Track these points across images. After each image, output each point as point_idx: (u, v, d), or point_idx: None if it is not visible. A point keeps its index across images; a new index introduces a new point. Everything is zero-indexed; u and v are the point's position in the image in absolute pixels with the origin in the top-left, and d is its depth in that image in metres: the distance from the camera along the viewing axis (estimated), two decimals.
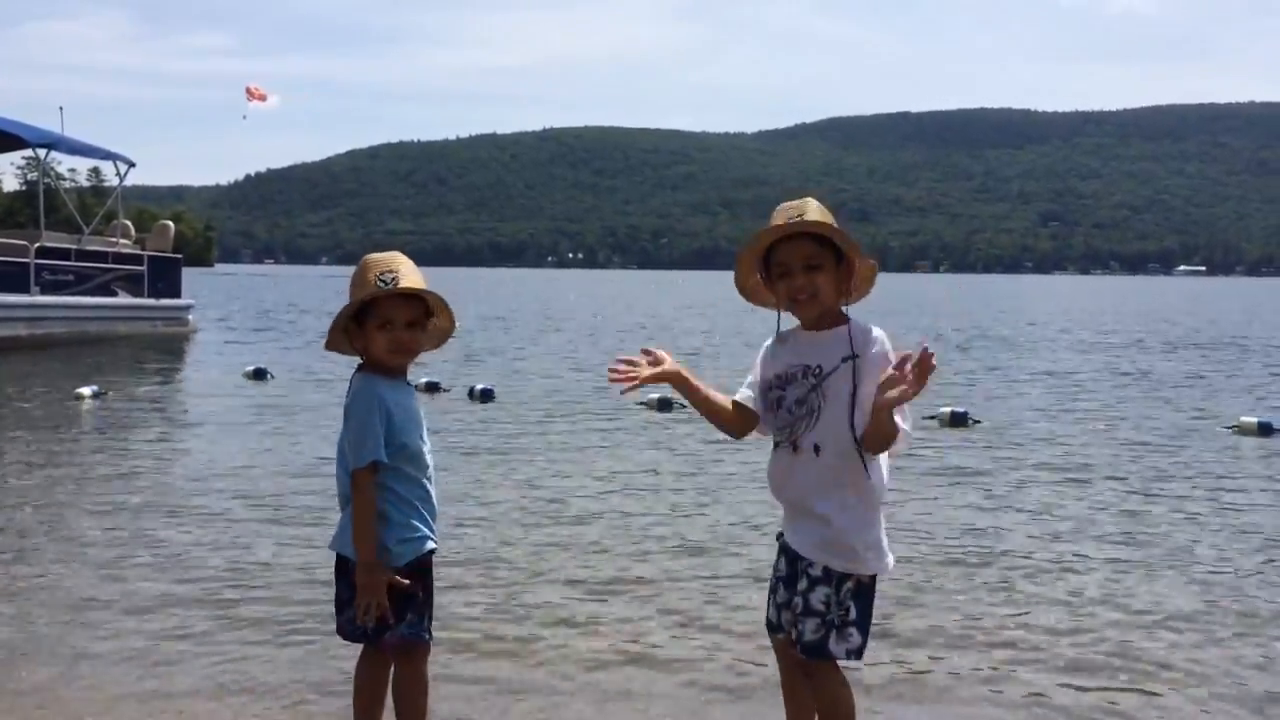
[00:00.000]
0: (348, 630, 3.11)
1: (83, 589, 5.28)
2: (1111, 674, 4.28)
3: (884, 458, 2.90)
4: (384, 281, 2.96)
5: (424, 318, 3.08)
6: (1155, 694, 4.09)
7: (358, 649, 3.23)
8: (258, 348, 20.91)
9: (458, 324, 3.26)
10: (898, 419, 2.73)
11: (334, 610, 3.16)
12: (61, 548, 6.04)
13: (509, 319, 32.60)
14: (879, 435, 2.76)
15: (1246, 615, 5.03)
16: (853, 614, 2.87)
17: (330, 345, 3.16)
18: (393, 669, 3.15)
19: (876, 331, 2.89)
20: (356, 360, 3.15)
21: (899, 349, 2.81)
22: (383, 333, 2.99)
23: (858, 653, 2.88)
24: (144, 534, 6.36)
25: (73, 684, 4.11)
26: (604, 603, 5.16)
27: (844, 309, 2.94)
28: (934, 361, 2.63)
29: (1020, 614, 5.03)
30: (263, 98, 28.83)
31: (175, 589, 5.29)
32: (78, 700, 3.96)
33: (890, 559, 2.94)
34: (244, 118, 28.73)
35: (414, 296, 3.03)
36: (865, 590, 2.90)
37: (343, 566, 3.08)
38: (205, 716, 3.84)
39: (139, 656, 4.41)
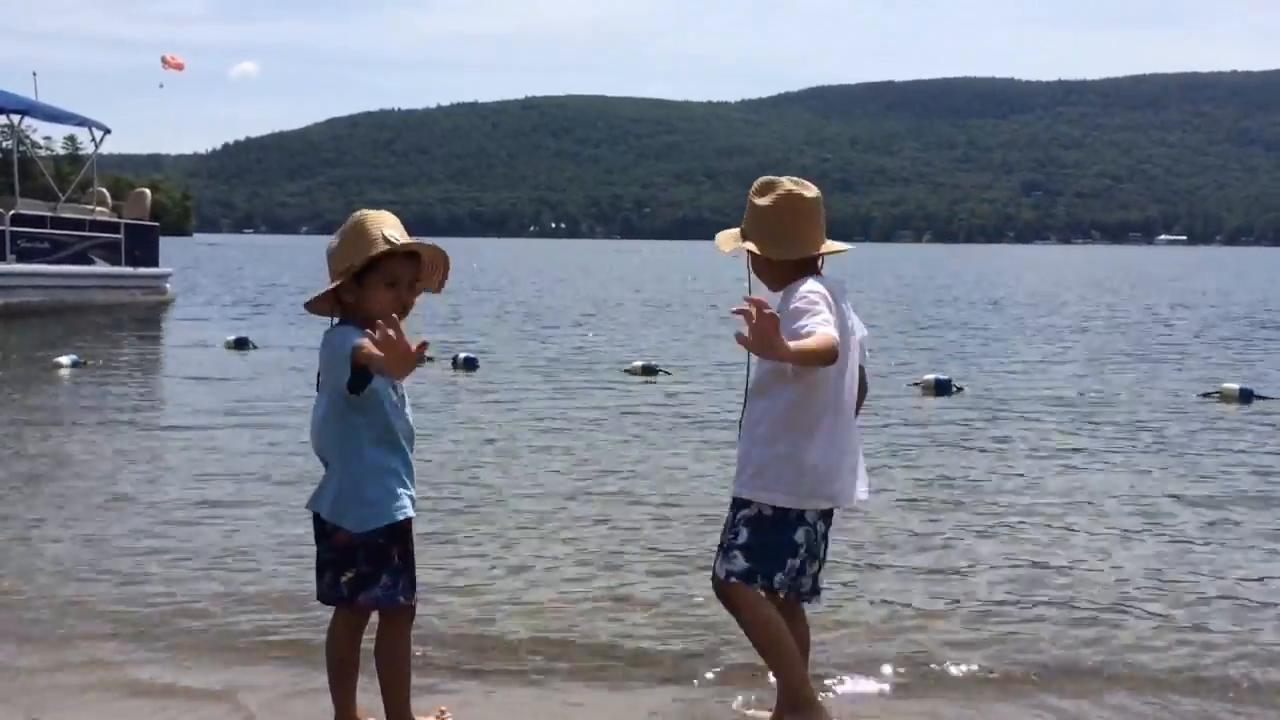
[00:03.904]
0: (328, 595, 3.09)
1: (63, 557, 5.23)
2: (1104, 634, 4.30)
3: (792, 392, 3.09)
4: (390, 241, 2.96)
5: (415, 279, 3.09)
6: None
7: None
8: (238, 315, 20.73)
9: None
10: (784, 351, 2.76)
11: (315, 574, 3.13)
12: (41, 515, 5.97)
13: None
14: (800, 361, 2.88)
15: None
16: (740, 538, 3.12)
17: (316, 305, 3.08)
18: (377, 634, 3.14)
19: (799, 287, 3.09)
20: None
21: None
22: (390, 290, 2.98)
23: (741, 576, 3.10)
24: (128, 502, 6.30)
25: (58, 652, 4.08)
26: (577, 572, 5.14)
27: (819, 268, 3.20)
28: (758, 311, 2.69)
29: (1000, 582, 5.05)
30: (179, 66, 28.99)
31: (159, 556, 5.24)
32: (64, 665, 3.94)
33: (779, 494, 3.10)
34: (160, 86, 28.95)
35: (413, 255, 3.04)
36: (764, 521, 3.11)
37: (321, 529, 3.06)
38: (198, 684, 3.82)
39: (126, 622, 4.39)
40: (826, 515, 3.25)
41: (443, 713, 3.40)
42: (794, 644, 3.17)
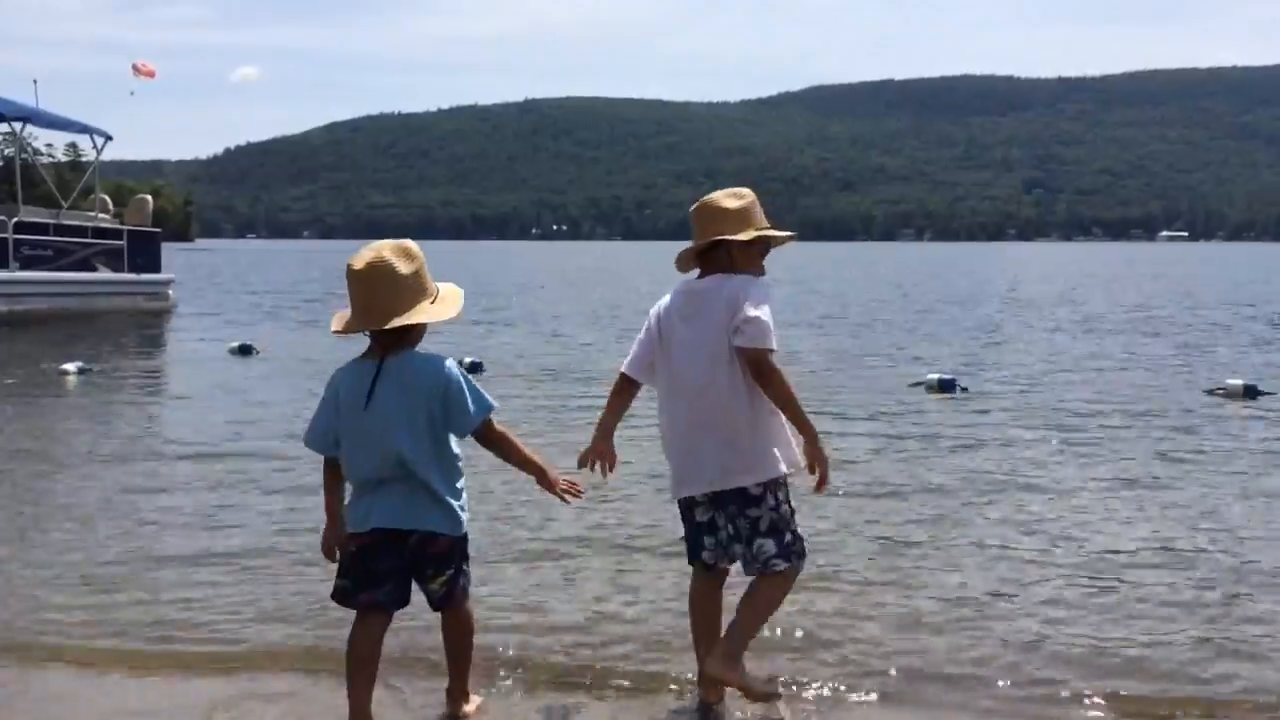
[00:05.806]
0: (385, 600, 3.20)
1: (73, 565, 5.24)
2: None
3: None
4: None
5: None
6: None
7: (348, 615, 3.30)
8: (240, 322, 20.75)
9: None
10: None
11: (364, 583, 3.19)
12: (51, 523, 5.99)
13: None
14: None
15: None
16: None
17: (400, 325, 3.12)
18: (453, 616, 3.36)
19: None
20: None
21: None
22: None
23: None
24: (137, 508, 6.30)
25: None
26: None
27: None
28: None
29: (1004, 581, 5.05)
30: (151, 74, 28.84)
31: (167, 562, 5.25)
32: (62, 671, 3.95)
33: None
34: (131, 94, 28.60)
35: None
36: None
37: (401, 542, 3.15)
38: (202, 697, 3.82)
39: (133, 626, 4.39)
40: (719, 499, 3.42)
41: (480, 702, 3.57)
42: (697, 621, 3.57)
